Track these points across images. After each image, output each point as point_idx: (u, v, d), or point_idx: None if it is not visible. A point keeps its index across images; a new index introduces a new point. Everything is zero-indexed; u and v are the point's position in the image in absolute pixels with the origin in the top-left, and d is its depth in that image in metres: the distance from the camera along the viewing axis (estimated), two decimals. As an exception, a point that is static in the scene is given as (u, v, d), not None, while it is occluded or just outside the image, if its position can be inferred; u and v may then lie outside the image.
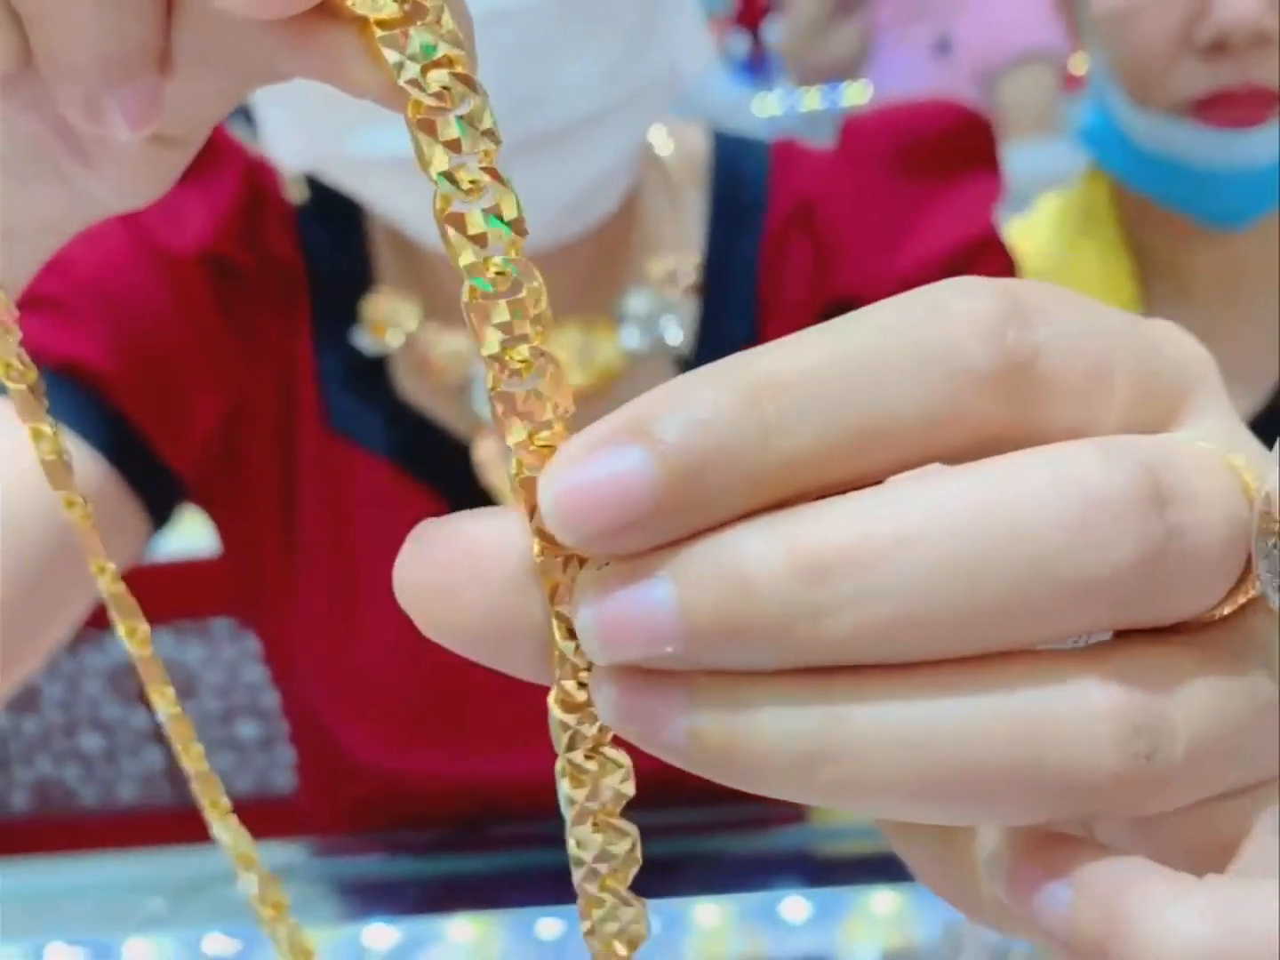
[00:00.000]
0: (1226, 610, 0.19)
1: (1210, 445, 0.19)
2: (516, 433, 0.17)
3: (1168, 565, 0.17)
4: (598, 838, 0.18)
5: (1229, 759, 0.18)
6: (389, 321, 0.67)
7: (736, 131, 0.72)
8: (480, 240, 0.17)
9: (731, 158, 0.70)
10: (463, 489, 0.66)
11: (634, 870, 0.19)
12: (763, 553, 0.16)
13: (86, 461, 0.59)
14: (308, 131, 0.57)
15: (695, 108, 2.06)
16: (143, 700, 1.16)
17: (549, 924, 0.65)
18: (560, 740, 0.18)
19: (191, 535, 0.95)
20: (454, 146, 0.17)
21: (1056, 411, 0.18)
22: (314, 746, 0.76)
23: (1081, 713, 0.17)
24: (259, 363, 0.67)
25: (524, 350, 0.17)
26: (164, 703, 0.22)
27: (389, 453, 0.67)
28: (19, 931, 0.71)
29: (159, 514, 0.64)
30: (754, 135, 0.72)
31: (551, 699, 0.18)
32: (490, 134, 0.17)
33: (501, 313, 0.17)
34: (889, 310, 0.17)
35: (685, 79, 0.60)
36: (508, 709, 0.67)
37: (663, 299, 0.66)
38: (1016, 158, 1.66)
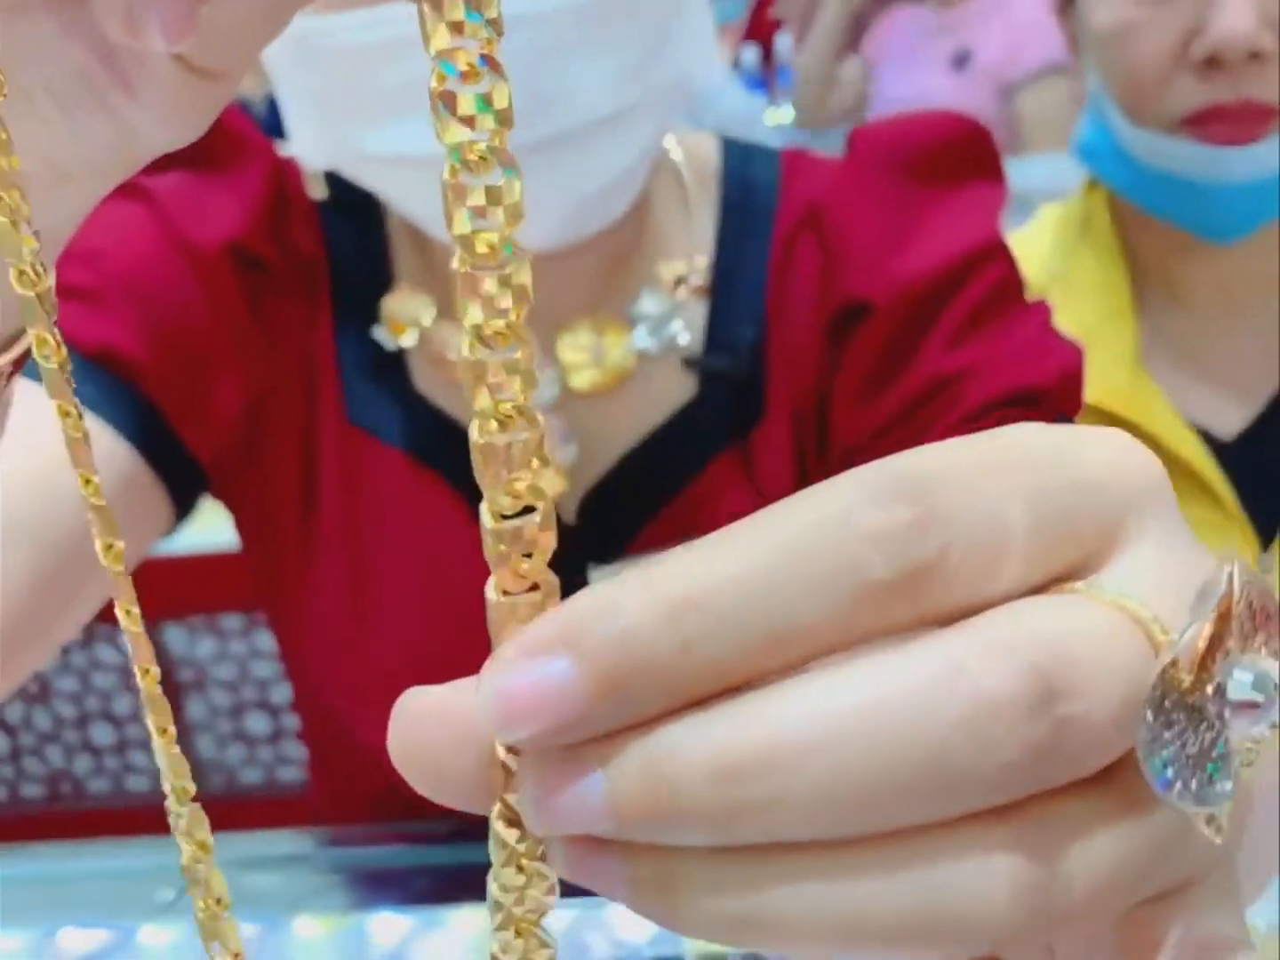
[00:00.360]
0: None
1: (1127, 591, 0.19)
2: (473, 315, 0.18)
3: (1059, 753, 0.18)
4: (520, 879, 0.20)
5: (1131, 889, 0.19)
6: (406, 319, 0.68)
7: (747, 140, 0.73)
8: (469, 122, 0.18)
9: (742, 165, 0.71)
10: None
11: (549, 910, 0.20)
12: (685, 755, 0.18)
13: (116, 447, 0.60)
14: (329, 131, 0.58)
15: (709, 117, 2.08)
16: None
17: (553, 914, 0.66)
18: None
19: (204, 530, 0.95)
20: (457, 28, 0.18)
21: (957, 594, 0.19)
22: (326, 739, 0.77)
23: (980, 879, 0.18)
24: (282, 354, 0.68)
25: (493, 236, 0.18)
26: (129, 621, 0.23)
27: (406, 445, 0.68)
28: (31, 916, 0.72)
29: (182, 503, 0.65)
30: (765, 144, 0.73)
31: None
32: (494, 23, 0.18)
33: (477, 196, 0.18)
34: (799, 519, 0.18)
35: (696, 87, 0.61)
36: None
37: (673, 301, 0.68)
38: (1035, 169, 1.67)
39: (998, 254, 0.65)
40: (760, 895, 0.18)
